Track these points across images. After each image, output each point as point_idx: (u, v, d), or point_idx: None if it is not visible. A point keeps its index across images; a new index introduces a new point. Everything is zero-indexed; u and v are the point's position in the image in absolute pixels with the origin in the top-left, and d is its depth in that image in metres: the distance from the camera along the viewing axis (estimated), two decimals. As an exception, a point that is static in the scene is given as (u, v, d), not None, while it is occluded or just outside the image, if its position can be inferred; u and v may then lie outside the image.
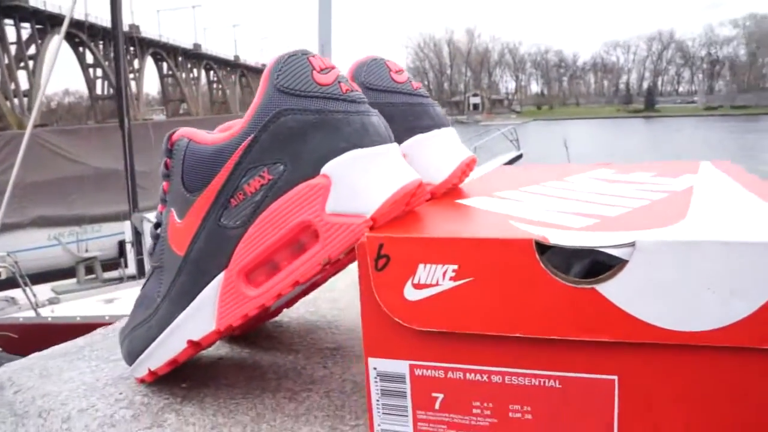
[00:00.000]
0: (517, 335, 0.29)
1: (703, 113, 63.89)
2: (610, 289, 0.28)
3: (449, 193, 0.45)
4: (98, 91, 45.76)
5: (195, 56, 57.94)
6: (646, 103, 71.26)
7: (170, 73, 55.39)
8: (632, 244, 0.27)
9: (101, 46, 43.24)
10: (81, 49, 43.15)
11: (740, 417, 0.27)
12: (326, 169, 0.33)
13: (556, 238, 0.29)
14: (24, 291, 5.10)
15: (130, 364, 0.43)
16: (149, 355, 0.41)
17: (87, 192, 9.03)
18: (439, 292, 0.30)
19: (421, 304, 0.30)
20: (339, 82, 0.34)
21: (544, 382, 0.30)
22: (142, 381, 0.44)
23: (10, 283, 5.52)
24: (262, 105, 0.34)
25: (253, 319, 0.39)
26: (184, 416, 0.40)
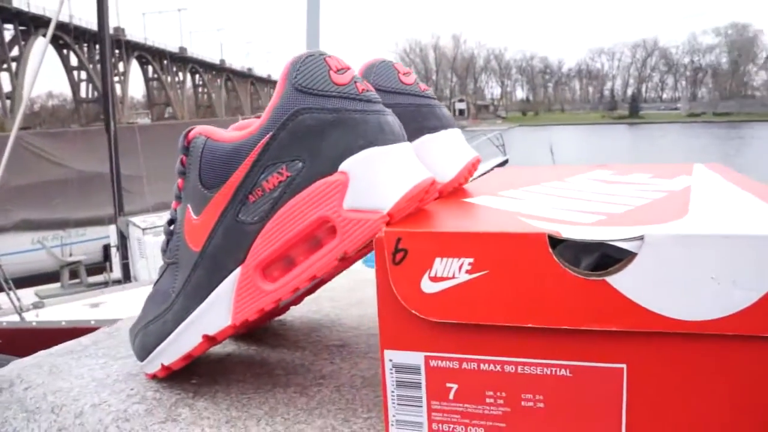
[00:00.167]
0: (530, 326, 0.30)
1: (686, 120, 64.66)
2: (620, 280, 0.29)
3: (455, 192, 0.46)
4: (82, 94, 45.40)
5: (180, 60, 57.67)
6: (631, 110, 71.99)
7: (155, 76, 55.07)
8: (641, 238, 0.29)
9: (86, 49, 42.93)
10: (65, 51, 42.79)
11: (744, 403, 0.29)
12: (344, 166, 0.34)
13: (568, 232, 0.30)
14: (8, 295, 5.04)
15: (143, 360, 0.44)
16: (163, 350, 0.41)
17: (71, 195, 8.96)
18: (455, 284, 0.31)
19: (437, 296, 0.31)
20: (355, 82, 0.35)
21: (556, 371, 0.31)
22: (153, 376, 0.45)
23: (-7, 287, 5.46)
24: (280, 103, 0.35)
25: (267, 314, 0.40)
26: (198, 410, 0.41)
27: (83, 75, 44.25)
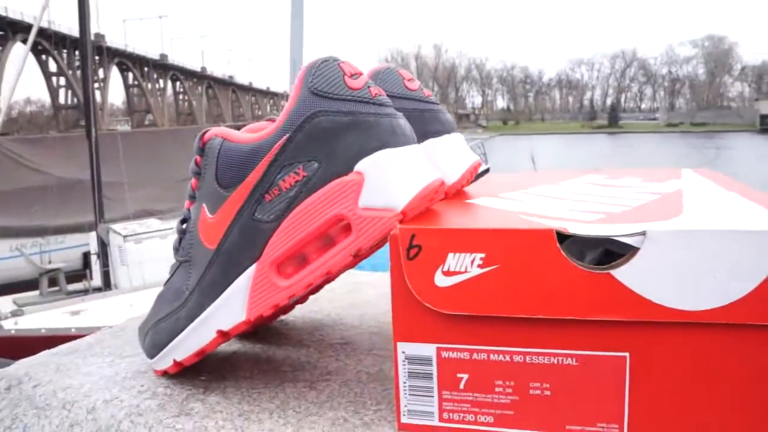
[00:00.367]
0: (539, 317, 0.32)
1: (664, 129, 65.63)
2: (624, 273, 0.31)
3: (457, 194, 0.48)
4: (61, 100, 44.91)
5: (161, 67, 57.32)
6: (610, 119, 72.89)
7: (136, 83, 54.66)
8: (643, 233, 0.31)
9: (65, 55, 42.52)
10: (44, 57, 42.34)
11: (740, 388, 0.31)
12: (359, 166, 0.35)
13: (574, 228, 0.32)
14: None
15: (153, 357, 0.45)
16: (176, 346, 0.42)
17: (51, 202, 8.85)
18: (467, 278, 0.33)
19: (450, 290, 0.33)
20: (368, 86, 0.37)
21: (562, 360, 0.33)
22: (163, 373, 0.45)
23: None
24: (297, 106, 0.37)
25: (279, 310, 0.41)
26: (210, 405, 0.42)
27: (62, 81, 43.78)
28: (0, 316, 4.92)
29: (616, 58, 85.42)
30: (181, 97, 63.38)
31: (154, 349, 0.44)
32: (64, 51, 42.18)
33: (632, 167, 0.66)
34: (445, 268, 0.33)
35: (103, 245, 7.20)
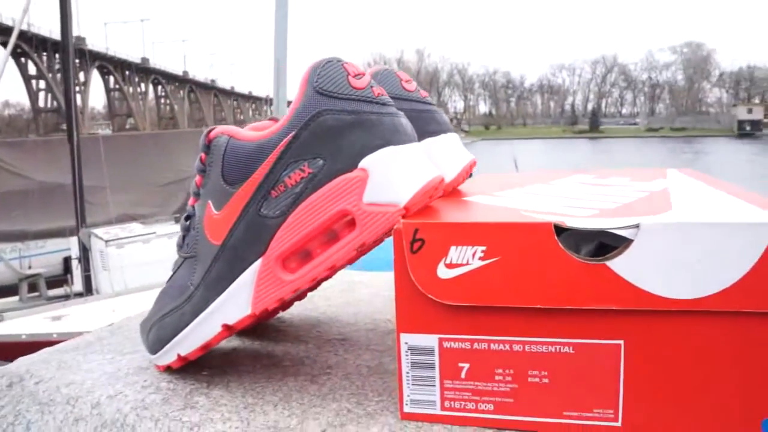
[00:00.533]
0: (537, 307, 0.33)
1: (644, 134, 66.45)
2: (619, 264, 0.32)
3: (452, 193, 0.49)
4: (41, 103, 44.39)
5: (143, 70, 56.92)
6: (591, 124, 73.62)
7: (117, 87, 54.20)
8: (637, 226, 0.32)
9: (45, 58, 42.05)
10: (23, 59, 41.83)
11: (726, 371, 0.32)
12: (363, 163, 0.36)
13: (572, 222, 0.33)
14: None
15: (156, 352, 0.46)
16: (180, 340, 0.43)
17: (31, 207, 8.75)
18: (469, 270, 0.34)
19: (452, 281, 0.34)
20: (371, 86, 0.38)
21: (560, 349, 0.34)
22: (166, 368, 0.46)
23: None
24: (302, 105, 0.38)
25: (283, 304, 0.42)
26: (214, 398, 0.43)
27: (42, 84, 43.29)
28: (-21, 322, 4.85)
29: (597, 63, 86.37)
30: (162, 101, 62.97)
31: (158, 344, 0.45)
32: (44, 54, 41.71)
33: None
34: (448, 261, 0.34)
35: (85, 250, 7.13)
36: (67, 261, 8.31)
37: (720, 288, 0.31)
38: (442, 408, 0.37)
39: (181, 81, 64.62)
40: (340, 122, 0.37)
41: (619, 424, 0.34)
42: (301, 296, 0.55)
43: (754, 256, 0.31)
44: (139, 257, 6.84)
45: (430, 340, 0.36)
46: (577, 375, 0.34)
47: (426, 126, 0.48)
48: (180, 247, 0.45)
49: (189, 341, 0.43)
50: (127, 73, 54.32)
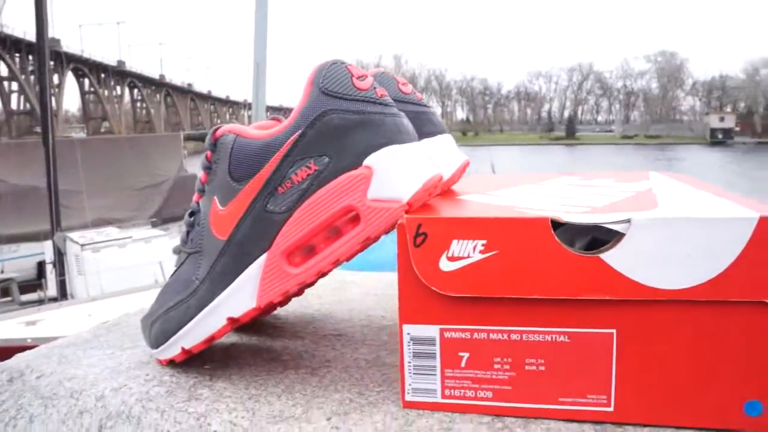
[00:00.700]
0: (534, 297, 0.35)
1: (619, 141, 67.39)
2: (612, 256, 0.34)
3: (447, 192, 0.51)
4: (13, 105, 43.63)
5: (119, 73, 56.27)
6: (567, 131, 74.48)
7: (92, 89, 53.51)
8: (628, 221, 0.34)
9: (17, 59, 41.37)
10: (-5, 61, 41.12)
11: (713, 357, 0.34)
12: (368, 161, 0.38)
13: (567, 217, 0.35)
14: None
15: (159, 346, 0.47)
16: (184, 334, 0.44)
17: (3, 210, 8.60)
18: (470, 263, 0.36)
19: (454, 274, 0.36)
20: (374, 88, 0.40)
21: (555, 338, 0.36)
22: (168, 362, 0.47)
23: None
24: (308, 105, 0.39)
25: (286, 299, 0.44)
26: (218, 390, 0.44)
27: (14, 86, 42.57)
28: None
29: (574, 71, 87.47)
30: (138, 104, 62.30)
31: (162, 336, 0.46)
32: (17, 55, 41.04)
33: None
34: (450, 254, 0.36)
35: (60, 254, 7.04)
36: (41, 265, 8.18)
37: (706, 278, 0.33)
38: (443, 396, 0.38)
39: (158, 84, 64.02)
40: (345, 122, 0.39)
41: (611, 409, 0.36)
42: (298, 293, 0.56)
43: (738, 248, 0.33)
44: (115, 261, 6.77)
45: (432, 331, 0.38)
46: (572, 362, 0.36)
47: (422, 127, 0.50)
48: (184, 243, 0.46)
49: (193, 334, 0.44)
50: (102, 75, 53.67)
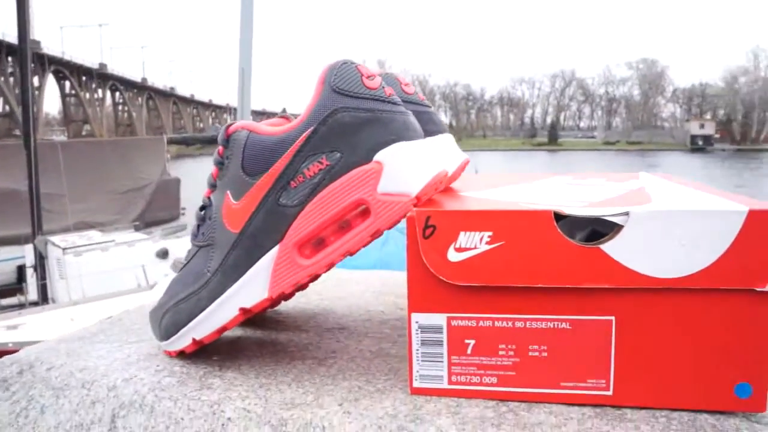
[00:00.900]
0: (538, 286, 0.37)
1: (601, 147, 68.11)
2: (611, 247, 0.36)
3: (448, 189, 0.53)
4: (-8, 108, 43.06)
5: (100, 76, 55.81)
6: (550, 137, 75.11)
7: (73, 92, 53.02)
8: (626, 214, 0.36)
9: (-3, 61, 40.86)
10: (-26, 63, 40.57)
11: (707, 342, 0.36)
12: (378, 156, 0.40)
13: (569, 210, 0.37)
14: None
15: (169, 337, 0.48)
16: (196, 325, 0.46)
17: (-17, 214, 8.48)
18: (476, 254, 0.37)
19: (461, 264, 0.38)
20: (383, 87, 0.41)
21: (557, 325, 0.38)
22: (178, 354, 0.48)
23: None
24: (320, 102, 0.41)
25: (297, 289, 0.45)
26: (228, 380, 0.45)
27: (-7, 88, 42.02)
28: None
29: (556, 77, 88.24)
30: (120, 107, 61.79)
31: (172, 328, 0.47)
32: (-4, 57, 40.51)
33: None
34: (457, 245, 0.38)
35: (41, 258, 6.96)
36: (21, 269, 8.08)
37: (700, 267, 0.35)
38: (450, 382, 0.40)
39: (140, 88, 63.59)
40: (356, 119, 0.40)
41: (610, 392, 0.38)
42: (303, 287, 0.57)
43: (729, 239, 0.35)
44: (97, 265, 6.71)
45: (439, 319, 0.39)
46: (573, 348, 0.38)
47: (425, 126, 0.52)
48: (195, 236, 0.47)
49: (205, 325, 0.45)
50: (83, 78, 53.19)
